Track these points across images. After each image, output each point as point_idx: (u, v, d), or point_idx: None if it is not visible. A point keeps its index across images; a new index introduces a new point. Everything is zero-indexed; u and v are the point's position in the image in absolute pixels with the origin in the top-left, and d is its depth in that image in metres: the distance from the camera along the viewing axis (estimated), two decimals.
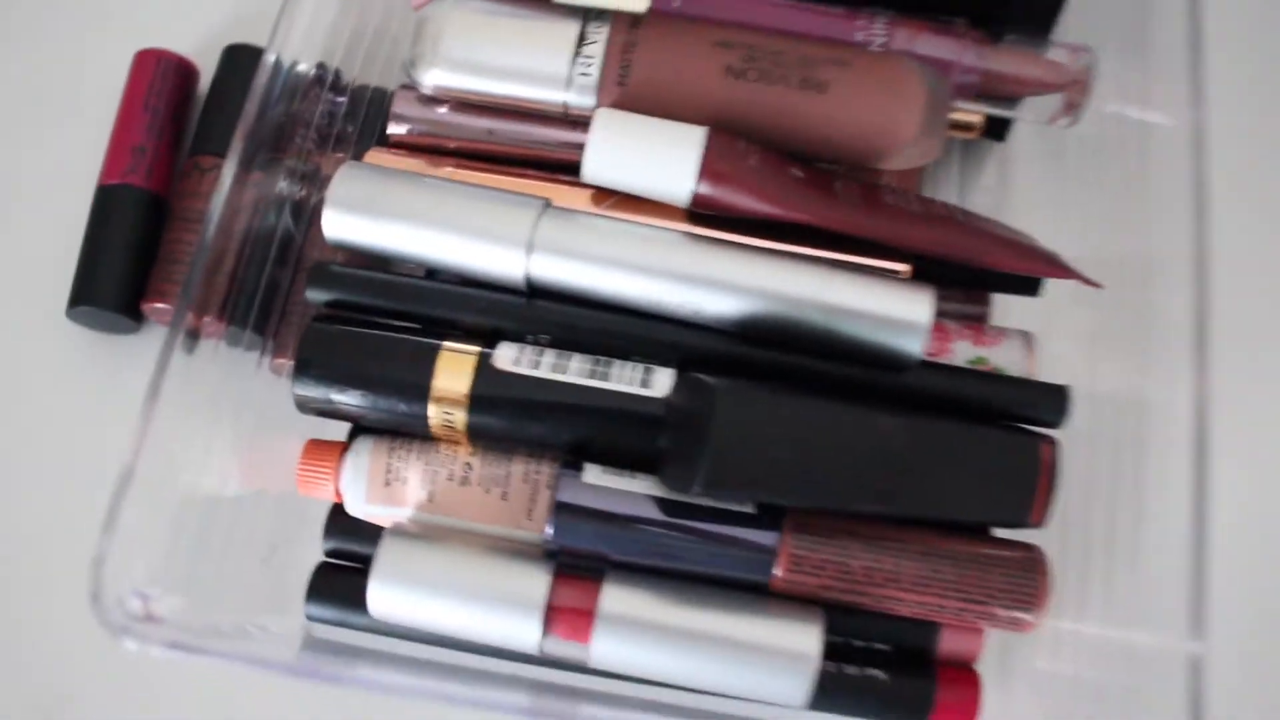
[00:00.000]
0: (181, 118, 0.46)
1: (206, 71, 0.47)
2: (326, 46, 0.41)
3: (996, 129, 0.41)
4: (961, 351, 0.37)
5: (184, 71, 0.46)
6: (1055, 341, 0.37)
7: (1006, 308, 0.39)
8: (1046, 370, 0.36)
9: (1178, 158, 0.36)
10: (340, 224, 0.36)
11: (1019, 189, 0.42)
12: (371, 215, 0.35)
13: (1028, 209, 0.42)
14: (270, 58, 0.38)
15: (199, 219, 0.43)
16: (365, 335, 0.36)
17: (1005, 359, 0.37)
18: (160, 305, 0.43)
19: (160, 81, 0.45)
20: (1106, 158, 0.39)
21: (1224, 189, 0.36)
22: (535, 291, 0.35)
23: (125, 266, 0.43)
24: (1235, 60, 0.41)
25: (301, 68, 0.40)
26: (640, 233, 0.35)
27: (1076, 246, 0.38)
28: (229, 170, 0.36)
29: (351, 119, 0.42)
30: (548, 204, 0.35)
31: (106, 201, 0.44)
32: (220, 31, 0.48)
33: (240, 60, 0.46)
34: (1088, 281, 0.35)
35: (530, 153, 0.39)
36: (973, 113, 0.41)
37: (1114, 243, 0.38)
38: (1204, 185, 0.35)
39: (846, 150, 0.36)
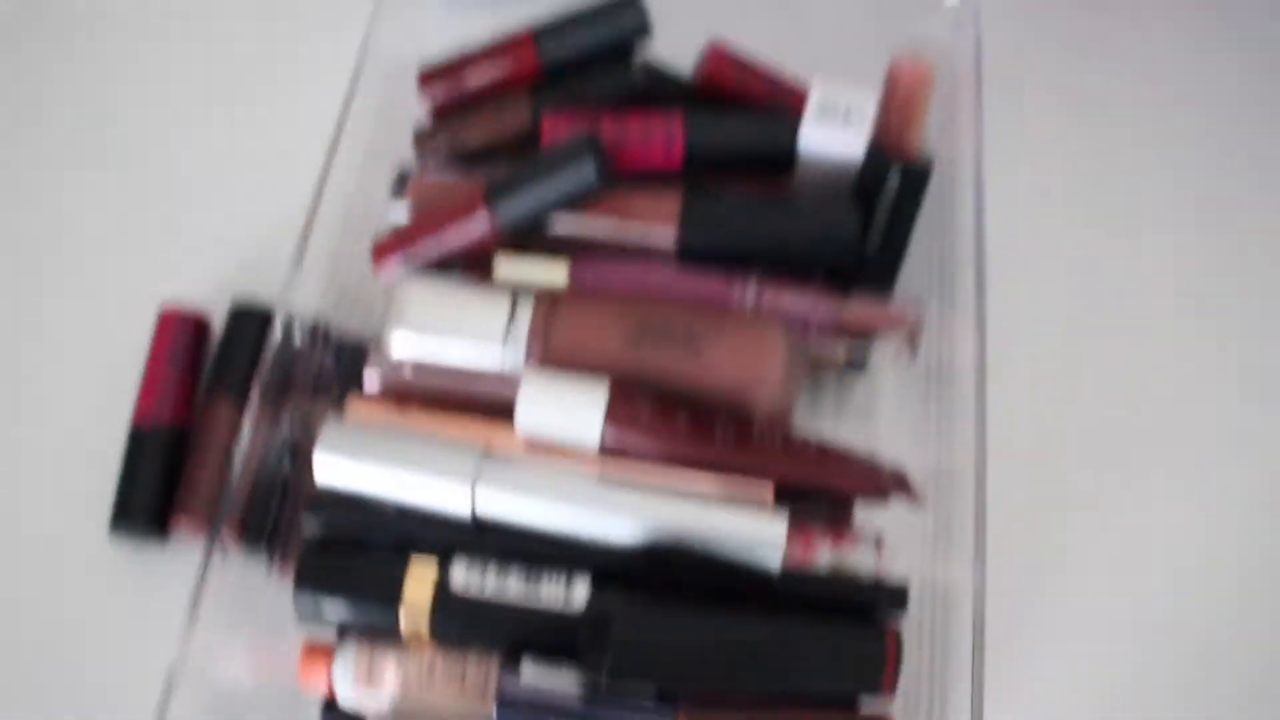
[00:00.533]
0: (198, 364, 0.56)
1: (213, 311, 0.58)
2: (318, 306, 0.51)
3: (859, 362, 0.50)
4: (825, 555, 0.46)
5: (200, 326, 0.57)
6: (898, 543, 0.46)
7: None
8: (893, 561, 0.46)
9: (968, 385, 0.46)
10: (327, 470, 0.45)
11: (878, 413, 0.52)
12: (350, 463, 0.45)
13: (890, 423, 0.51)
14: (278, 325, 0.49)
15: (214, 452, 0.53)
16: (348, 561, 0.45)
17: (860, 557, 0.46)
18: (186, 522, 0.52)
19: (181, 336, 0.56)
20: (933, 383, 0.49)
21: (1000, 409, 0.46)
22: (480, 522, 0.45)
23: (156, 492, 0.53)
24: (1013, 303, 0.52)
25: (300, 329, 0.50)
26: (559, 475, 0.45)
27: (921, 456, 0.48)
28: (248, 419, 0.47)
29: (338, 368, 0.52)
30: (486, 450, 0.45)
31: (139, 441, 0.54)
32: (226, 277, 0.59)
33: (245, 319, 0.56)
34: (911, 497, 0.45)
35: (476, 400, 0.49)
36: (833, 352, 0.50)
37: (940, 454, 0.48)
38: (983, 409, 0.46)
39: (723, 399, 0.46)
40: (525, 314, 0.47)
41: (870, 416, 0.52)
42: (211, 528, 0.46)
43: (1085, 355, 0.56)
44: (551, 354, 0.46)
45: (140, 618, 0.51)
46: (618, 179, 0.48)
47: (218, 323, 0.58)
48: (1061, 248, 0.58)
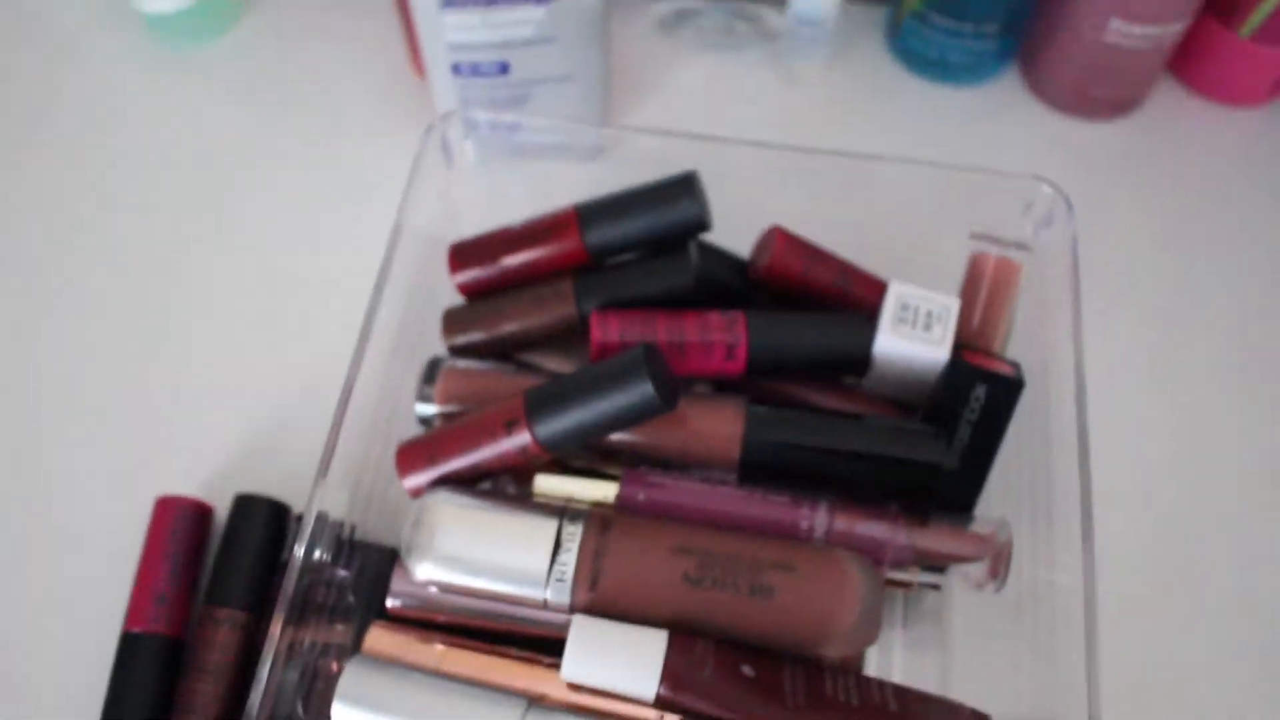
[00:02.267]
0: (198, 563, 0.51)
1: (220, 504, 0.52)
2: (342, 514, 0.46)
3: (933, 585, 0.46)
4: None
5: (201, 516, 0.51)
6: None
7: None
8: None
9: (1074, 618, 0.41)
10: (347, 717, 0.40)
11: (955, 637, 0.47)
12: (375, 713, 0.40)
13: (963, 654, 0.46)
14: (304, 537, 0.43)
15: (214, 670, 0.47)
16: None
17: None
18: None
19: (180, 526, 0.51)
20: (1024, 613, 0.44)
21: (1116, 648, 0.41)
22: None
23: (148, 712, 0.47)
24: (1124, 527, 0.47)
25: (324, 539, 0.45)
26: None
27: (1004, 699, 0.43)
28: (270, 646, 0.41)
29: (358, 583, 0.46)
30: (530, 702, 0.40)
31: (131, 648, 0.48)
32: (226, 468, 0.54)
33: (250, 511, 0.51)
34: None
35: (513, 629, 0.44)
36: (907, 579, 0.45)
37: (1033, 698, 0.43)
38: (1094, 650, 0.41)
39: (793, 643, 0.41)
40: (572, 546, 0.42)
41: (943, 644, 0.47)
42: None
43: (1200, 578, 0.52)
44: (602, 593, 0.41)
45: None
46: (678, 398, 0.43)
47: (222, 517, 0.53)
48: (1165, 457, 0.54)
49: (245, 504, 0.51)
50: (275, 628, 0.42)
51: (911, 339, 0.45)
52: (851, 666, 0.43)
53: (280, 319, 0.59)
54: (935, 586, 0.46)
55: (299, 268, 0.61)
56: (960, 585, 0.47)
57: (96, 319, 0.60)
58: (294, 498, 0.51)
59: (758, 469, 0.45)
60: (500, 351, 0.50)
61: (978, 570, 0.45)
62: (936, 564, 0.45)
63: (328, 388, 0.47)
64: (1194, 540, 0.53)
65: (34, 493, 0.54)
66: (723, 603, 0.41)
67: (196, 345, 0.59)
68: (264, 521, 0.51)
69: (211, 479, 0.54)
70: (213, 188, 0.64)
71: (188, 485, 0.53)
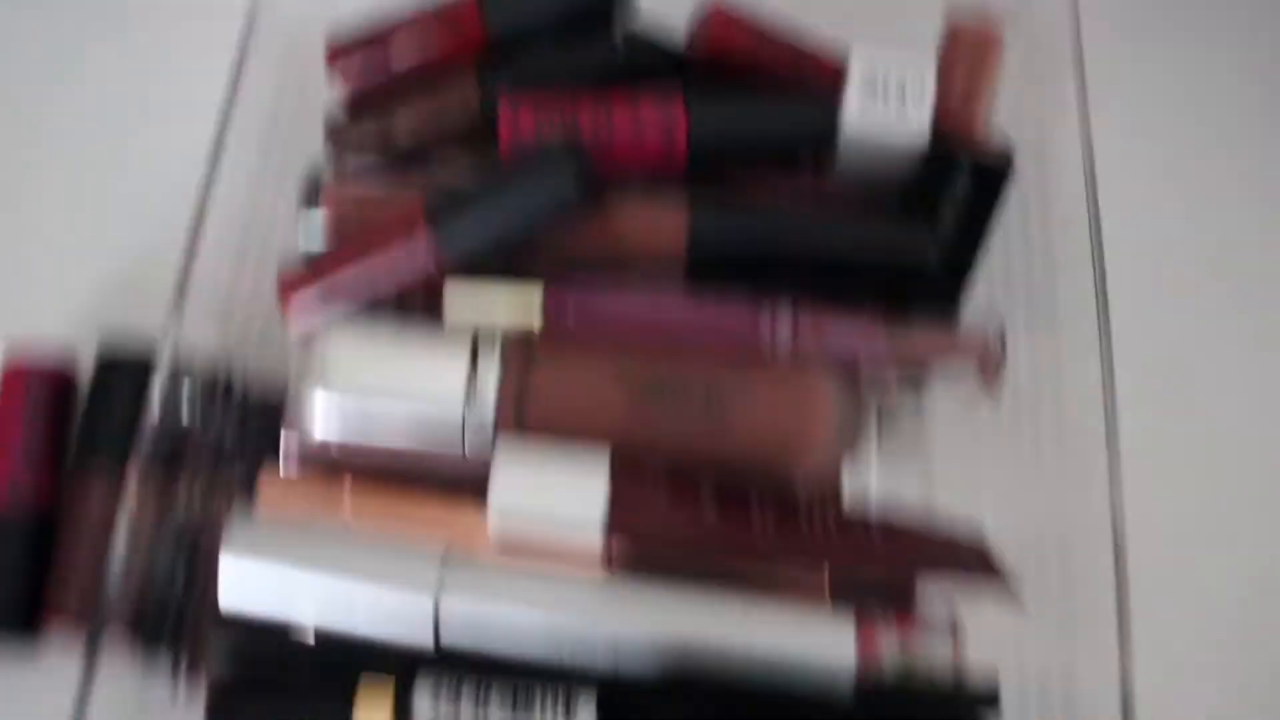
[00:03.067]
0: (63, 425, 0.44)
1: (81, 351, 0.45)
2: (212, 354, 0.39)
3: (916, 403, 0.40)
4: (889, 652, 0.35)
5: (62, 381, 0.44)
6: (983, 614, 0.36)
7: None
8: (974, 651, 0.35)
9: (1091, 421, 0.36)
10: (237, 586, 0.34)
11: (940, 450, 0.41)
12: (268, 579, 0.34)
13: (950, 469, 0.41)
14: (160, 377, 0.37)
15: (89, 535, 0.41)
16: (273, 697, 0.34)
17: (933, 648, 0.35)
18: (60, 620, 0.41)
19: (38, 394, 0.43)
20: (1020, 424, 0.39)
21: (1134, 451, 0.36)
22: (444, 647, 0.33)
23: (21, 589, 0.41)
24: (1141, 324, 0.41)
25: (189, 381, 0.38)
26: (548, 581, 0.33)
27: (998, 514, 0.37)
28: (130, 496, 0.36)
29: (243, 430, 0.39)
30: (448, 555, 0.33)
31: None
32: (91, 317, 0.46)
33: (118, 367, 0.44)
34: (1005, 586, 0.34)
35: (427, 476, 0.37)
36: (886, 393, 0.39)
37: (1036, 512, 0.37)
38: (1116, 451, 0.35)
39: (758, 467, 0.35)
40: (491, 373, 0.35)
41: (926, 458, 0.41)
42: (90, 634, 0.34)
43: (1224, 379, 0.46)
44: (531, 416, 0.35)
45: None
46: (602, 191, 0.36)
47: (84, 373, 0.45)
48: (1179, 244, 0.48)
49: (108, 359, 0.44)
50: (133, 478, 0.35)
51: (882, 112, 0.38)
52: (828, 493, 0.37)
53: (130, 140, 0.50)
54: (918, 400, 0.40)
55: (138, 68, 0.52)
56: (946, 399, 0.41)
57: None
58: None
59: (707, 269, 0.38)
60: (396, 161, 0.42)
61: (967, 379, 0.39)
62: (919, 373, 0.39)
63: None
64: (1216, 340, 0.47)
65: None
66: (674, 423, 0.35)
67: (40, 183, 0.50)
68: (133, 378, 0.43)
69: (74, 331, 0.46)
70: None
71: (49, 335, 0.45)
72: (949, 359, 0.38)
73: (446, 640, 0.33)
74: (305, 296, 0.37)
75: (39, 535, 0.42)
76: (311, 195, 0.40)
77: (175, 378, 0.37)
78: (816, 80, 0.41)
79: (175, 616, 0.37)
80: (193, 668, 0.38)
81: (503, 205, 0.35)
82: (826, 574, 0.35)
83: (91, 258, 0.48)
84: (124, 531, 0.35)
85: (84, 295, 0.47)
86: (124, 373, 0.43)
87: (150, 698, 0.37)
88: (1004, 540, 0.36)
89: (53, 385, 0.44)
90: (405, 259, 0.36)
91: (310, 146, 0.43)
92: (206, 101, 0.41)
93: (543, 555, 0.34)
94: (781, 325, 0.37)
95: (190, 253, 0.38)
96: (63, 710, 0.34)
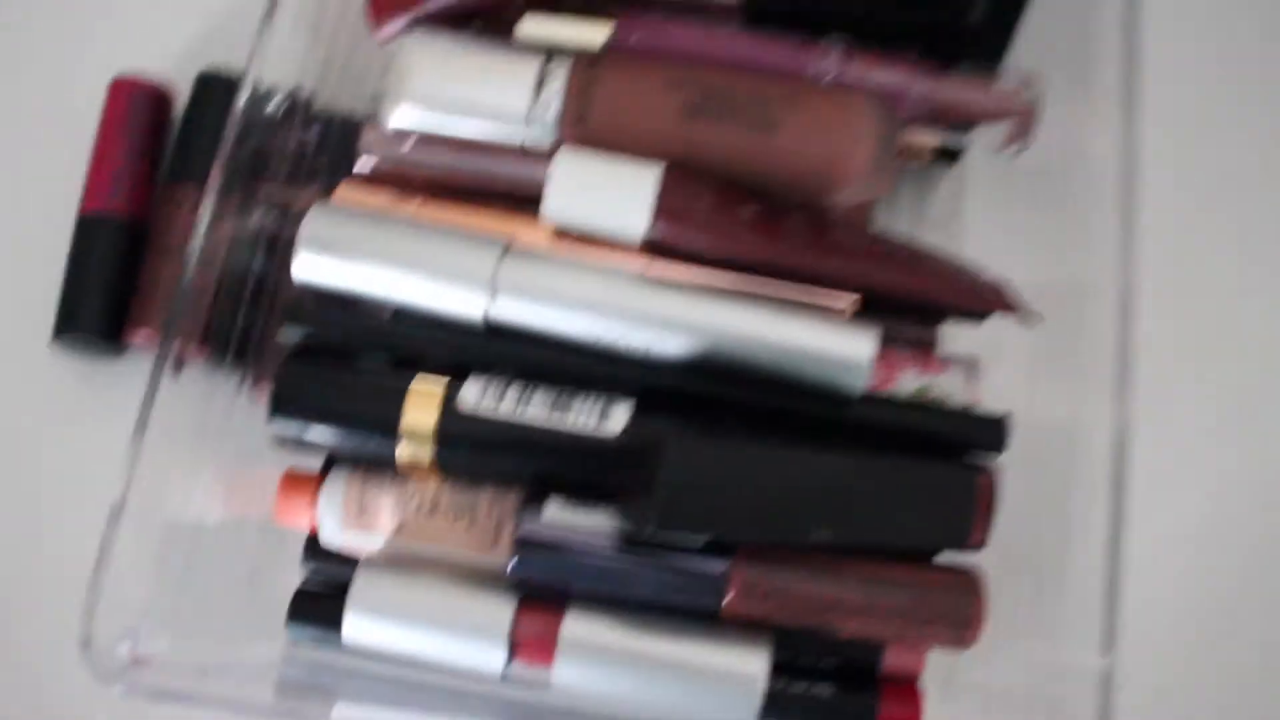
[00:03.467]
0: (158, 144, 0.47)
1: (180, 90, 0.48)
2: (298, 75, 0.42)
3: (948, 155, 0.42)
4: (907, 380, 0.38)
5: (159, 98, 0.47)
6: (997, 365, 0.38)
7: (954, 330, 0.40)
8: (988, 395, 0.38)
9: (1110, 186, 0.38)
10: (310, 267, 0.37)
11: (970, 212, 0.43)
12: (339, 259, 0.37)
13: (979, 232, 0.43)
14: (245, 92, 0.40)
15: (177, 249, 0.44)
16: (337, 376, 0.37)
17: (949, 385, 0.38)
18: (144, 333, 0.44)
19: (136, 109, 0.46)
20: (1050, 184, 0.41)
21: (1155, 217, 0.38)
22: (497, 331, 0.37)
23: (108, 294, 0.45)
24: (1173, 89, 0.42)
25: (275, 99, 0.41)
26: (596, 274, 0.36)
27: (1023, 270, 0.39)
28: (207, 205, 0.39)
29: (322, 149, 0.43)
30: (507, 247, 0.37)
31: (88, 230, 0.45)
32: (193, 50, 0.49)
33: (213, 88, 0.47)
34: (1028, 315, 0.37)
35: (494, 185, 0.40)
36: (923, 140, 0.41)
37: (1055, 268, 0.39)
38: (1131, 213, 0.37)
39: (798, 186, 0.37)
40: (558, 80, 0.38)
41: (958, 218, 0.43)
42: (164, 335, 0.37)
43: (1247, 147, 0.47)
44: (590, 129, 0.38)
45: (88, 443, 0.43)
46: None
47: (182, 98, 0.48)
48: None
49: (207, 81, 0.47)
50: (214, 181, 0.38)
51: None
52: (860, 219, 0.39)
53: None
54: (951, 152, 0.42)
55: None
56: (978, 158, 0.43)
57: None
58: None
59: (762, 11, 0.40)
60: None
61: (1000, 132, 0.41)
62: (956, 123, 0.41)
63: None
64: (1246, 117, 0.48)
65: None
66: (723, 136, 0.37)
67: None
68: (228, 98, 0.46)
69: (170, 60, 0.49)
70: None
71: (150, 65, 0.48)
72: (986, 109, 0.40)
73: (501, 321, 0.36)
74: (392, 9, 0.40)
75: (131, 243, 0.46)
76: None
77: (259, 89, 0.40)
78: None
79: (248, 316, 0.41)
80: (261, 363, 0.41)
81: None
82: (854, 298, 0.38)
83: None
84: (200, 237, 0.38)
85: (186, 28, 0.50)
86: (219, 93, 0.46)
87: (217, 398, 0.40)
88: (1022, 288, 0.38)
89: (152, 101, 0.47)
90: None
91: None
92: None
93: (593, 252, 0.37)
94: (830, 63, 0.39)
95: None
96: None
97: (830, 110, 0.37)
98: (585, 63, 0.38)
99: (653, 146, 0.37)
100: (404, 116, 0.39)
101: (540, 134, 0.38)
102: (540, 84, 0.38)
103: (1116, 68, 0.39)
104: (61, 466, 0.45)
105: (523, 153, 0.39)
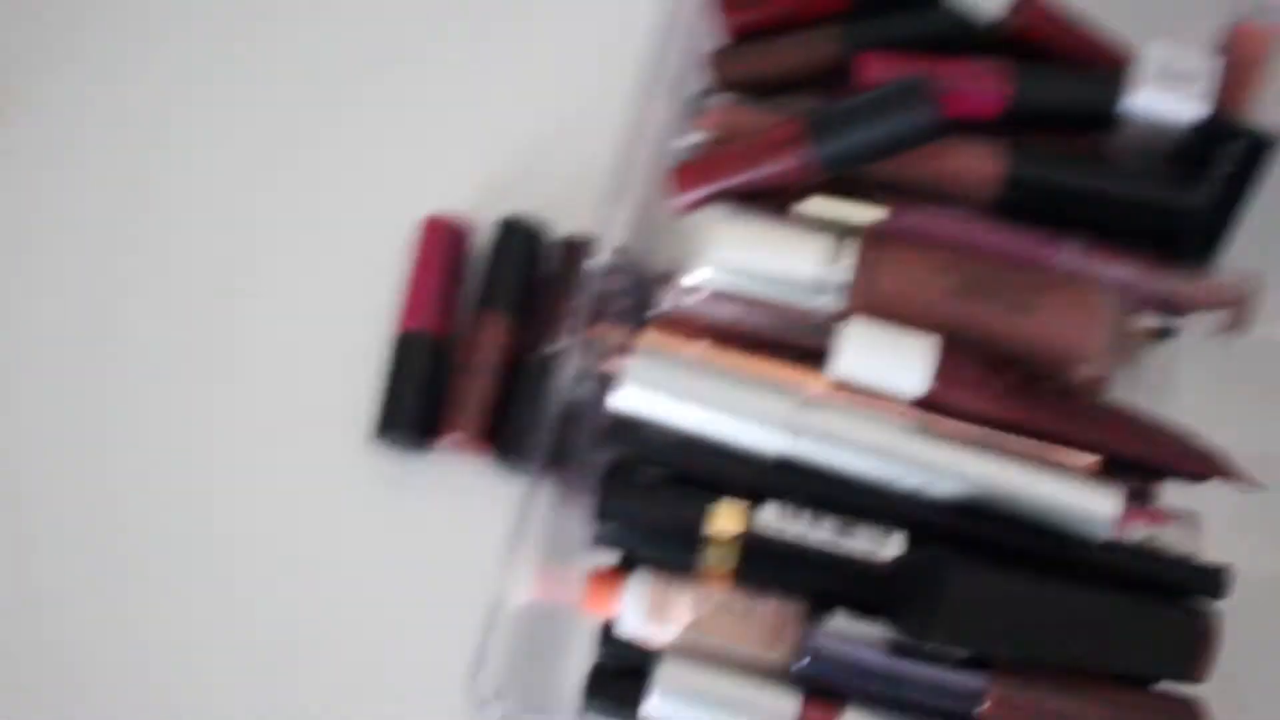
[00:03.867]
0: (461, 273, 0.55)
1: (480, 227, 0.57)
2: (620, 234, 0.50)
3: (1165, 334, 0.49)
4: (1137, 529, 0.44)
5: (463, 235, 0.56)
6: (1216, 521, 0.45)
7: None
8: (1209, 548, 0.44)
9: None
10: (631, 400, 0.45)
11: (1183, 386, 0.50)
12: (659, 395, 0.44)
13: (1189, 405, 0.50)
14: (599, 256, 0.49)
15: (481, 368, 0.52)
16: (654, 492, 0.45)
17: (1173, 536, 0.45)
18: (452, 437, 0.52)
19: (445, 244, 0.55)
20: (1253, 371, 0.48)
21: None
22: (792, 466, 0.44)
23: (421, 401, 0.52)
24: None
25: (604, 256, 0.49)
26: (881, 425, 0.44)
27: (1234, 440, 0.46)
28: (565, 346, 0.48)
29: (630, 295, 0.50)
30: (806, 396, 0.44)
31: (407, 346, 0.53)
32: (488, 195, 0.58)
33: (514, 232, 0.55)
34: (1248, 481, 0.44)
35: (779, 340, 0.48)
36: (1146, 323, 0.49)
37: (1266, 440, 0.46)
38: None
39: (1047, 361, 0.45)
40: (849, 255, 0.45)
41: (1172, 391, 0.50)
42: (531, 459, 0.46)
43: None
44: (875, 301, 0.45)
45: (403, 529, 0.52)
46: (948, 125, 0.46)
47: (482, 237, 0.57)
48: None
49: (511, 225, 0.55)
50: (574, 328, 0.46)
51: (1168, 94, 0.47)
52: (1096, 390, 0.46)
53: (544, 60, 0.61)
54: (1168, 332, 0.49)
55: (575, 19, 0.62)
56: (1189, 344, 0.50)
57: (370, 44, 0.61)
58: (551, 219, 0.56)
59: (1014, 208, 0.48)
60: (766, 92, 0.52)
61: (1214, 320, 0.48)
62: (1176, 310, 0.48)
63: (591, 119, 0.50)
64: None
65: (317, 211, 0.58)
66: (986, 316, 0.44)
67: (463, 70, 0.61)
68: (525, 241, 0.55)
69: (475, 202, 0.57)
70: None
71: (454, 206, 0.57)
72: (1204, 301, 0.47)
73: (796, 459, 0.44)
74: (695, 183, 0.48)
75: (439, 357, 0.54)
76: (698, 110, 0.51)
77: (602, 256, 0.49)
78: (1106, 67, 0.50)
79: (569, 437, 0.49)
80: (580, 477, 0.49)
81: (872, 126, 0.45)
82: (1094, 459, 0.44)
83: (505, 150, 0.59)
84: (555, 376, 0.47)
85: (494, 179, 0.58)
86: (519, 236, 0.55)
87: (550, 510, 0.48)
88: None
89: (458, 238, 0.56)
90: (784, 162, 0.47)
91: (692, 75, 0.53)
92: (627, 46, 0.52)
93: (870, 403, 0.44)
94: (1072, 255, 0.47)
95: (628, 156, 0.49)
96: (446, 510, 0.47)
97: (1075, 299, 0.45)
98: (872, 242, 0.46)
99: (926, 319, 0.44)
100: (706, 276, 0.47)
101: (829, 301, 0.45)
102: (834, 256, 0.45)
103: None
104: (376, 549, 0.52)
105: (809, 318, 0.46)
